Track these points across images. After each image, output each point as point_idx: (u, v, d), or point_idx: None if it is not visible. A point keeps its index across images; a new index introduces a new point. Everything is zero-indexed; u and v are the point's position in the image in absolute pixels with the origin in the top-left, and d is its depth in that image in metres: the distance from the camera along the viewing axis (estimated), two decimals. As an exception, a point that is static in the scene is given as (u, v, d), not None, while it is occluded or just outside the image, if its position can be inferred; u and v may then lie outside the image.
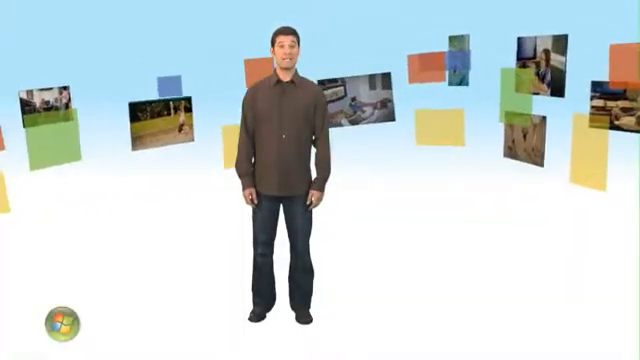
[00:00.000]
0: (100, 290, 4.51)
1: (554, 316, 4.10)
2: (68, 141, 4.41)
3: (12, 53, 5.97)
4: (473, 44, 4.96)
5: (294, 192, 3.92)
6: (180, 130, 4.88)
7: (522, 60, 4.53)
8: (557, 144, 4.29)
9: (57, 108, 4.29)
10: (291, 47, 3.78)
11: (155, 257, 5.17)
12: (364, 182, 7.30)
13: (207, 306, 4.24)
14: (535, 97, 4.42)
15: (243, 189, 3.95)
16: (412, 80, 5.12)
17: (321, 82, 4.89)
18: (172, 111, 4.80)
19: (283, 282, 4.16)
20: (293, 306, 4.17)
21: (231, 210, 5.00)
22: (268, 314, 4.15)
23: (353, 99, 5.00)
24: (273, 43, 3.83)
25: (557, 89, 4.20)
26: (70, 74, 4.48)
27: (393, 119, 5.03)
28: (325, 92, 4.64)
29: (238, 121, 3.97)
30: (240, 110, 3.96)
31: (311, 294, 4.15)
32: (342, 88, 4.99)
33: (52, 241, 5.50)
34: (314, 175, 4.00)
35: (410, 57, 5.12)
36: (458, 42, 5.02)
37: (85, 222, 6.05)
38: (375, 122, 5.03)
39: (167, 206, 6.58)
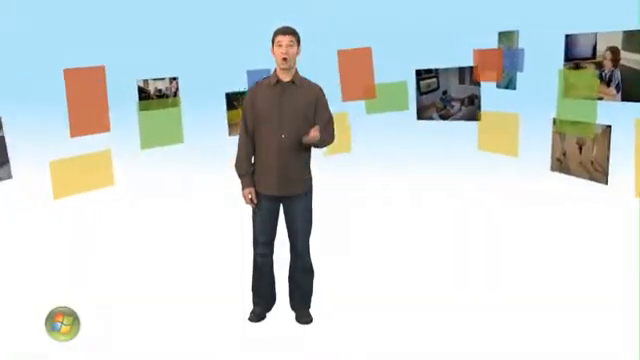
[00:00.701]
0: (100, 290, 4.51)
1: (566, 317, 4.10)
2: (173, 125, 4.83)
3: (130, 47, 6.75)
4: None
5: (294, 192, 3.92)
6: None
7: (574, 60, 3.94)
8: (621, 155, 3.76)
9: (167, 96, 4.76)
10: (289, 47, 3.78)
11: (155, 257, 5.17)
12: (364, 182, 7.30)
13: (207, 306, 4.24)
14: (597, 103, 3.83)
15: (242, 189, 3.95)
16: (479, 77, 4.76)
17: (418, 72, 4.86)
18: None
19: (283, 282, 4.16)
20: (293, 306, 4.17)
21: (231, 210, 5.00)
22: (268, 314, 4.16)
23: (444, 92, 4.85)
24: (273, 42, 3.83)
25: (632, 93, 3.57)
26: (179, 67, 5.02)
27: (477, 118, 4.74)
28: (420, 83, 4.80)
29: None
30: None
31: (311, 294, 4.15)
32: (435, 80, 4.85)
33: (52, 241, 5.51)
34: (314, 175, 4.00)
35: (477, 52, 4.76)
36: (507, 39, 4.66)
37: (85, 222, 6.05)
38: (461, 119, 4.81)
39: (167, 206, 6.59)
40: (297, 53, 3.84)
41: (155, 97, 4.63)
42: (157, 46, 6.92)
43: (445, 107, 4.82)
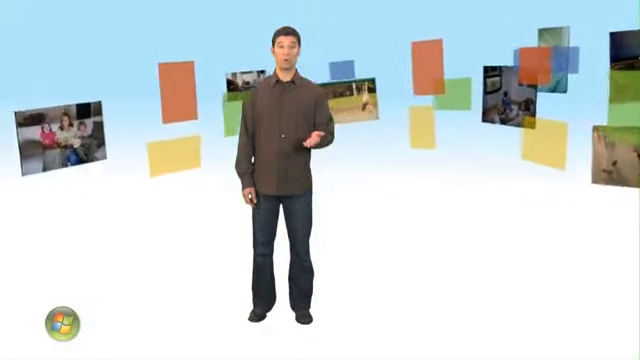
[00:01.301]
0: (100, 290, 4.51)
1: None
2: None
3: (222, 43, 7.25)
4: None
5: (294, 192, 3.93)
6: (363, 109, 5.13)
7: (622, 61, 3.59)
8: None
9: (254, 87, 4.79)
10: (290, 47, 3.78)
11: (155, 257, 5.17)
12: (364, 182, 7.31)
13: (207, 306, 4.24)
14: None
15: (242, 189, 3.95)
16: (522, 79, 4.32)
17: (485, 69, 4.58)
18: (354, 92, 5.11)
19: (283, 282, 4.16)
20: (293, 306, 4.17)
21: (231, 210, 5.01)
22: (268, 314, 4.16)
23: (505, 94, 4.44)
24: (273, 43, 3.83)
25: None
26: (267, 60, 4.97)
27: (523, 124, 4.25)
28: (487, 81, 4.49)
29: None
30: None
31: (311, 294, 4.16)
32: (499, 79, 4.46)
33: (52, 240, 5.50)
34: (314, 175, 4.00)
35: (522, 51, 4.34)
36: (552, 36, 4.20)
37: (83, 222, 6.05)
38: (518, 126, 4.33)
39: (167, 206, 6.58)
40: (298, 54, 3.84)
41: (243, 89, 4.83)
42: (245, 41, 7.20)
43: (505, 110, 4.41)
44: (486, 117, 4.70)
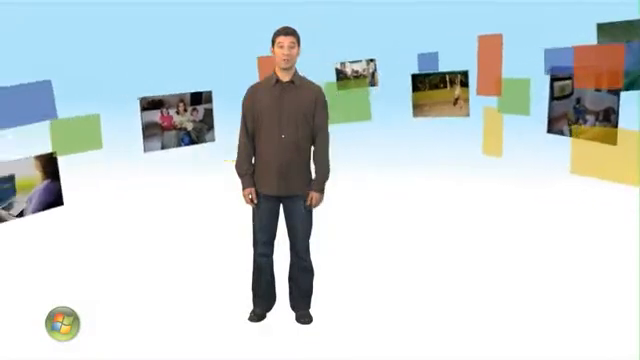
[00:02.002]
0: (99, 290, 4.51)
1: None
2: (362, 104, 5.10)
3: (330, 33, 7.08)
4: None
5: (294, 192, 3.93)
6: (455, 103, 5.05)
7: None
8: None
9: (364, 76, 5.10)
10: (290, 48, 3.79)
11: (155, 257, 5.17)
12: (364, 182, 7.31)
13: (207, 306, 4.24)
14: None
15: (243, 189, 3.96)
16: (579, 83, 3.79)
17: (552, 71, 4.05)
18: (448, 84, 5.07)
19: (283, 282, 4.17)
20: (293, 306, 4.17)
21: (231, 210, 5.00)
22: (268, 314, 4.16)
23: (578, 101, 3.84)
24: (273, 43, 3.83)
25: None
26: (375, 49, 5.23)
27: (612, 142, 3.56)
28: (554, 84, 3.94)
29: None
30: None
31: (311, 294, 4.16)
32: (570, 82, 3.87)
33: (52, 240, 5.51)
34: (314, 175, 4.00)
35: (578, 49, 3.79)
36: (622, 32, 3.65)
37: (84, 222, 6.05)
38: (594, 140, 3.69)
39: (167, 206, 6.58)
40: (297, 54, 3.84)
41: (352, 77, 4.98)
42: (355, 30, 7.26)
43: (577, 120, 3.77)
44: (553, 127, 4.04)
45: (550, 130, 4.11)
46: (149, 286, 4.57)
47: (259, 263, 4.07)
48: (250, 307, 4.14)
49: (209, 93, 4.69)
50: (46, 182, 3.68)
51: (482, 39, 4.74)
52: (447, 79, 5.04)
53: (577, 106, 3.88)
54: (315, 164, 3.97)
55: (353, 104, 5.05)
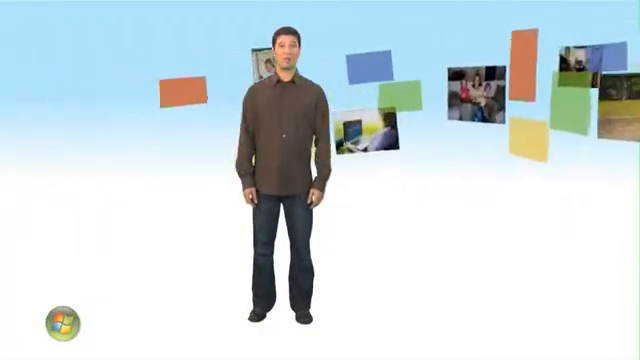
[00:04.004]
0: (99, 290, 4.51)
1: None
2: (581, 111, 3.76)
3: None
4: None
5: (294, 192, 3.93)
6: None
7: None
8: None
9: (586, 69, 3.78)
10: (291, 47, 3.79)
11: (155, 257, 5.17)
12: (364, 182, 7.30)
13: (207, 306, 4.24)
14: None
15: (243, 189, 3.96)
16: None
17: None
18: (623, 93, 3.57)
19: (283, 282, 4.16)
20: (293, 306, 4.17)
21: (231, 210, 5.00)
22: (268, 314, 4.16)
23: None
24: (274, 43, 3.84)
25: None
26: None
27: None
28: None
29: None
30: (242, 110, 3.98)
31: (311, 294, 4.16)
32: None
33: (52, 240, 5.50)
34: (314, 174, 4.00)
35: None
36: None
37: (84, 222, 6.05)
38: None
39: (167, 205, 6.58)
40: (298, 53, 3.84)
41: (575, 70, 3.81)
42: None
43: None
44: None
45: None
46: (149, 286, 4.57)
47: (259, 263, 4.07)
48: (250, 307, 4.14)
49: (503, 68, 4.20)
50: (386, 129, 4.48)
51: (515, 35, 4.14)
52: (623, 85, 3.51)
53: None
54: (316, 164, 3.98)
55: (570, 108, 3.78)
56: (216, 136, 4.94)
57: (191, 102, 4.38)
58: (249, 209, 4.02)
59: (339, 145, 4.47)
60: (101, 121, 6.93)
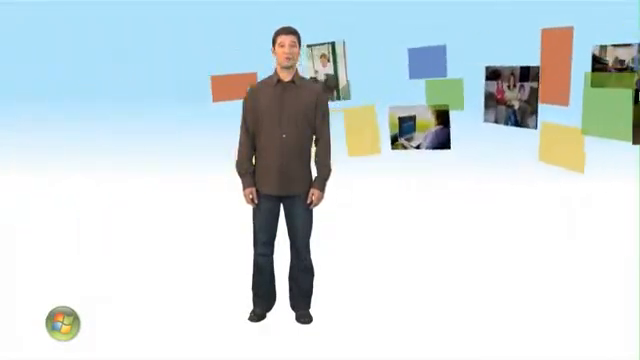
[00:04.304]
0: (99, 290, 4.51)
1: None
2: (622, 114, 3.47)
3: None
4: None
5: (294, 192, 3.93)
6: None
7: None
8: None
9: (632, 69, 3.46)
10: (291, 47, 3.79)
11: (156, 256, 5.17)
12: (364, 182, 7.30)
13: (207, 306, 4.24)
14: None
15: (243, 188, 3.96)
16: None
17: None
18: None
19: (283, 282, 4.16)
20: (293, 306, 4.17)
21: (231, 210, 5.00)
22: (268, 314, 4.16)
23: None
24: (274, 43, 3.84)
25: None
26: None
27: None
28: None
29: None
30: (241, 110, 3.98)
31: (311, 294, 4.15)
32: None
33: (52, 240, 5.50)
34: (315, 174, 4.00)
35: None
36: None
37: (84, 222, 6.05)
38: None
39: (167, 205, 6.58)
40: (298, 53, 3.85)
41: (614, 70, 3.52)
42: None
43: None
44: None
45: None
46: (149, 286, 4.56)
47: (259, 263, 4.07)
48: (250, 307, 4.14)
49: (536, 69, 3.91)
50: (438, 127, 4.41)
51: (545, 33, 3.89)
52: None
53: None
54: (316, 164, 3.98)
55: (610, 112, 3.51)
56: (216, 136, 4.94)
57: (242, 97, 4.08)
58: (249, 209, 4.02)
59: (394, 140, 4.47)
60: (101, 121, 6.95)
